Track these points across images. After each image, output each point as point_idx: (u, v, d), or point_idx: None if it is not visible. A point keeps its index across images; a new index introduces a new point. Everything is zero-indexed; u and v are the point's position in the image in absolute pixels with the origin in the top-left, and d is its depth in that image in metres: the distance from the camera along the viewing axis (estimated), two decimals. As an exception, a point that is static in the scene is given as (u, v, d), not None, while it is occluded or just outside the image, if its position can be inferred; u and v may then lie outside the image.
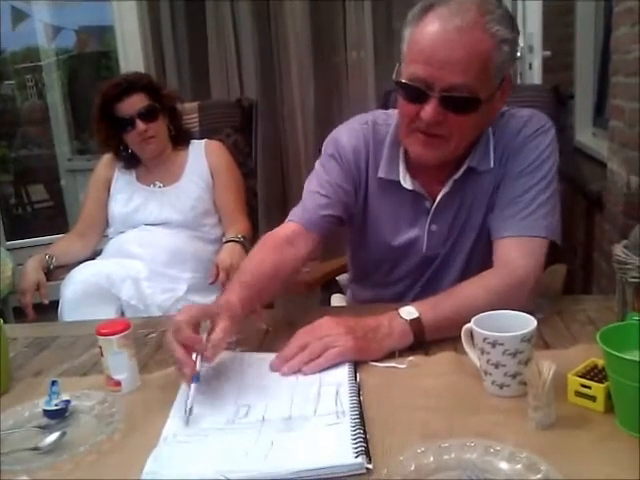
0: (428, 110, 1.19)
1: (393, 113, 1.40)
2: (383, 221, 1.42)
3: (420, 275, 1.44)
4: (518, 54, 1.30)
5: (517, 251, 1.25)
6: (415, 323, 1.13)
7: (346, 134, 1.42)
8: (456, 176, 1.33)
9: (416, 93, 1.20)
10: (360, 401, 0.97)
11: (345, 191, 1.40)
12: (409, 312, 1.14)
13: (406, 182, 1.35)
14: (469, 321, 1.00)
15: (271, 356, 1.13)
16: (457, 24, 1.15)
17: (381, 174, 1.37)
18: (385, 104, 1.93)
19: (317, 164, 1.46)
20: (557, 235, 1.30)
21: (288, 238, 1.35)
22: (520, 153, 1.31)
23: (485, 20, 1.17)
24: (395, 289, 1.47)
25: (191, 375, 1.00)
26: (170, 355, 1.21)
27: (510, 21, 1.22)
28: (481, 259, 1.34)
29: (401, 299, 1.44)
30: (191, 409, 0.97)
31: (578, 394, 0.92)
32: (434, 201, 1.36)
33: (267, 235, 1.38)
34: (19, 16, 4.23)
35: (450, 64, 1.16)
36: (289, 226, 1.38)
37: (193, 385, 1.00)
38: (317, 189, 1.40)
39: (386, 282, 1.49)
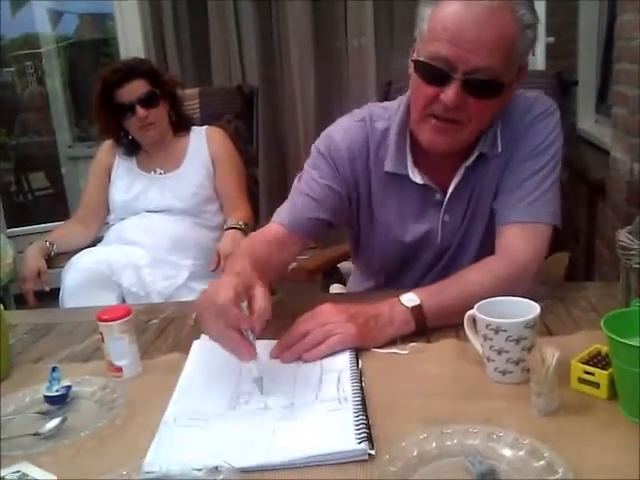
0: (449, 93, 1.13)
1: (389, 106, 1.36)
2: (391, 218, 1.36)
3: (433, 266, 1.40)
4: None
5: (520, 237, 1.24)
6: (416, 310, 1.12)
7: (340, 133, 1.35)
8: (468, 163, 1.29)
9: (437, 74, 1.14)
10: (362, 387, 0.97)
11: (336, 194, 1.33)
12: (410, 299, 1.14)
13: (415, 176, 1.30)
14: (471, 308, 1.00)
15: (272, 343, 1.12)
16: (486, 4, 1.10)
17: (388, 168, 1.31)
18: (386, 95, 1.91)
19: (306, 165, 1.38)
20: (559, 221, 1.28)
21: (272, 242, 1.31)
22: (526, 135, 1.28)
23: (513, 2, 1.12)
24: (405, 281, 1.42)
25: (253, 356, 0.97)
26: (172, 341, 1.22)
27: (532, 6, 1.17)
28: (492, 247, 1.30)
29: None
30: (261, 378, 0.98)
31: (581, 381, 0.92)
32: (444, 192, 1.32)
33: (252, 236, 1.38)
34: (19, 2, 4.20)
35: (478, 45, 1.10)
36: (273, 228, 1.33)
37: (254, 362, 0.98)
38: (306, 191, 1.33)
39: (397, 275, 1.45)
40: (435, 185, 1.32)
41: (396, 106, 1.34)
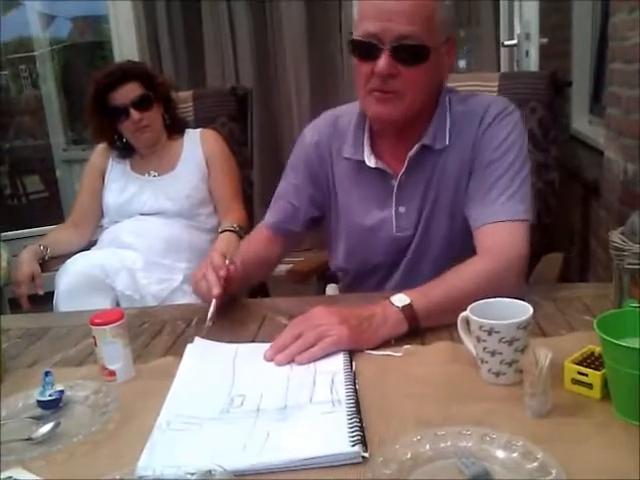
0: (381, 63, 1.23)
1: None
2: (353, 204, 1.44)
3: (398, 261, 1.44)
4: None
5: (500, 236, 1.26)
6: (407, 310, 1.13)
7: (310, 131, 1.50)
8: (411, 153, 1.34)
9: (368, 49, 1.24)
10: (356, 389, 0.97)
11: (312, 193, 1.48)
12: (401, 299, 1.14)
13: (370, 161, 1.37)
14: (463, 306, 1.00)
15: (265, 346, 1.12)
16: None
17: (346, 154, 1.41)
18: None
19: (287, 165, 1.53)
20: (532, 217, 1.31)
21: (264, 242, 1.52)
22: (487, 137, 1.32)
23: None
24: (374, 277, 1.48)
25: (217, 294, 1.23)
26: (165, 344, 1.22)
27: None
28: (458, 248, 1.35)
29: (381, 287, 1.46)
30: (212, 321, 1.22)
31: (575, 381, 0.92)
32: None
33: (246, 238, 1.58)
34: (10, 2, 4.18)
35: (397, 14, 1.21)
36: (261, 230, 1.54)
37: (214, 301, 1.24)
38: (287, 197, 1.50)
39: (365, 270, 1.49)
40: (390, 171, 1.38)
41: None
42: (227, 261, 1.31)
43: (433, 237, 1.39)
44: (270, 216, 1.53)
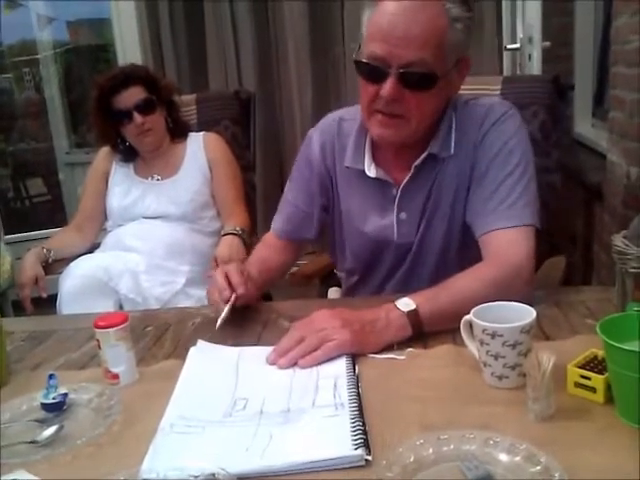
0: (386, 87, 1.21)
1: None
2: (354, 211, 1.44)
3: (398, 266, 1.44)
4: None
5: (506, 242, 1.25)
6: (412, 315, 1.12)
7: (316, 134, 1.49)
8: (417, 162, 1.34)
9: (375, 72, 1.23)
10: (359, 393, 0.97)
11: (321, 198, 1.48)
12: (406, 304, 1.14)
13: (370, 171, 1.37)
14: (467, 312, 1.00)
15: (268, 350, 1.13)
16: (415, 3, 1.19)
17: (347, 163, 1.40)
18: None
19: (294, 169, 1.53)
20: (538, 222, 1.29)
21: (276, 251, 1.53)
22: (485, 142, 1.31)
23: None
24: (373, 282, 1.48)
25: (229, 297, 1.25)
26: (168, 347, 1.22)
27: (465, 0, 1.24)
28: (456, 253, 1.36)
29: (380, 292, 1.46)
30: (224, 319, 1.22)
31: (578, 385, 0.92)
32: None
33: (261, 242, 1.57)
34: (10, 4, 4.19)
35: (407, 40, 1.18)
36: (270, 236, 1.55)
37: (232, 298, 1.25)
38: (295, 201, 1.51)
39: (364, 275, 1.50)
40: (392, 181, 1.38)
41: None
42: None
43: (431, 243, 1.39)
44: (280, 223, 1.53)
